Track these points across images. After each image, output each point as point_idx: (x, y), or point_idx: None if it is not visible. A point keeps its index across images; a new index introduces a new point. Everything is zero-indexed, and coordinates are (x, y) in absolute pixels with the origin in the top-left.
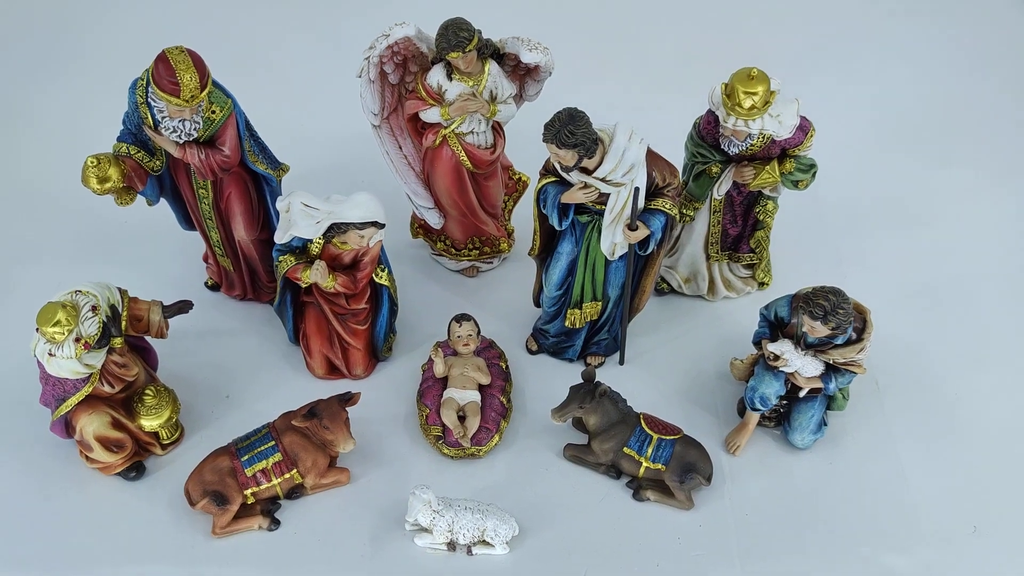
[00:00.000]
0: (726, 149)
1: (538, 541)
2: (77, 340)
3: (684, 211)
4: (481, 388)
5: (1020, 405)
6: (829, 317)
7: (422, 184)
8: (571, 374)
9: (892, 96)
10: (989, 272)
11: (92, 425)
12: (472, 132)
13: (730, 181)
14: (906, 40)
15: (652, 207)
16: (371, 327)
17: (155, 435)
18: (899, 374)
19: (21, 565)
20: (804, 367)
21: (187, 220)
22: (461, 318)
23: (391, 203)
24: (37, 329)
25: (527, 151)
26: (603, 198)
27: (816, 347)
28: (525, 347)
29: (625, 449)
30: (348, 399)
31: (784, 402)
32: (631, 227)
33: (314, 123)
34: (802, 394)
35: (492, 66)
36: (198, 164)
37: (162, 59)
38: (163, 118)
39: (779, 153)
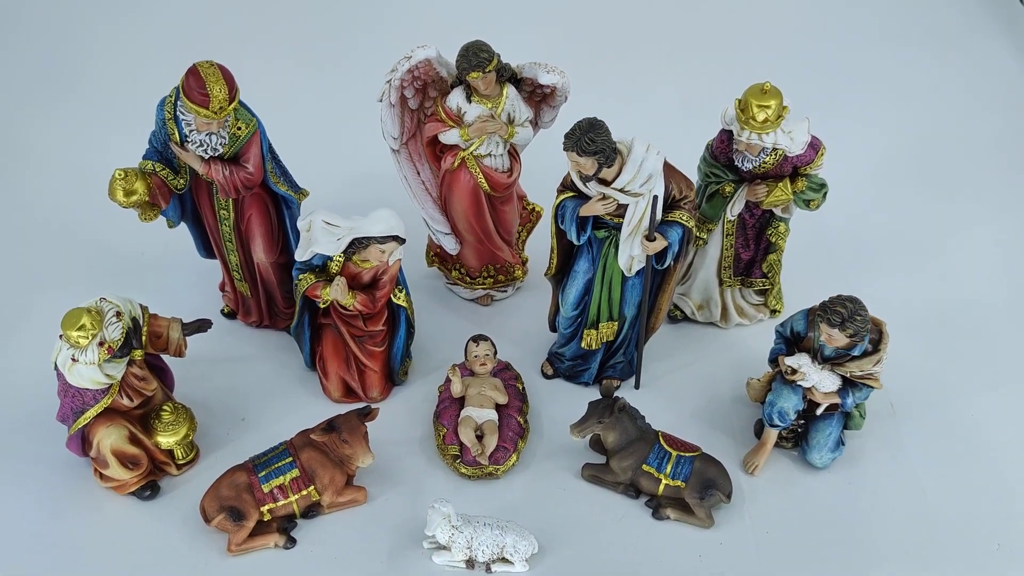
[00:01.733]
0: (740, 165)
1: (557, 559)
2: (101, 344)
3: (697, 234)
4: (498, 408)
5: None
6: (847, 324)
7: (439, 209)
8: (587, 398)
9: (898, 134)
10: (995, 299)
11: (110, 438)
12: (490, 155)
13: (743, 201)
14: (912, 81)
15: (669, 219)
16: (388, 349)
17: (170, 455)
18: (914, 397)
19: None
20: (821, 382)
21: (206, 247)
22: (478, 338)
23: (407, 232)
24: (60, 336)
25: (541, 182)
26: (621, 211)
27: (833, 360)
28: (541, 372)
29: (644, 467)
30: (367, 414)
31: (801, 421)
32: (649, 238)
33: (332, 155)
34: (819, 411)
35: (510, 90)
36: (222, 180)
37: (193, 72)
38: (191, 132)
39: (791, 171)
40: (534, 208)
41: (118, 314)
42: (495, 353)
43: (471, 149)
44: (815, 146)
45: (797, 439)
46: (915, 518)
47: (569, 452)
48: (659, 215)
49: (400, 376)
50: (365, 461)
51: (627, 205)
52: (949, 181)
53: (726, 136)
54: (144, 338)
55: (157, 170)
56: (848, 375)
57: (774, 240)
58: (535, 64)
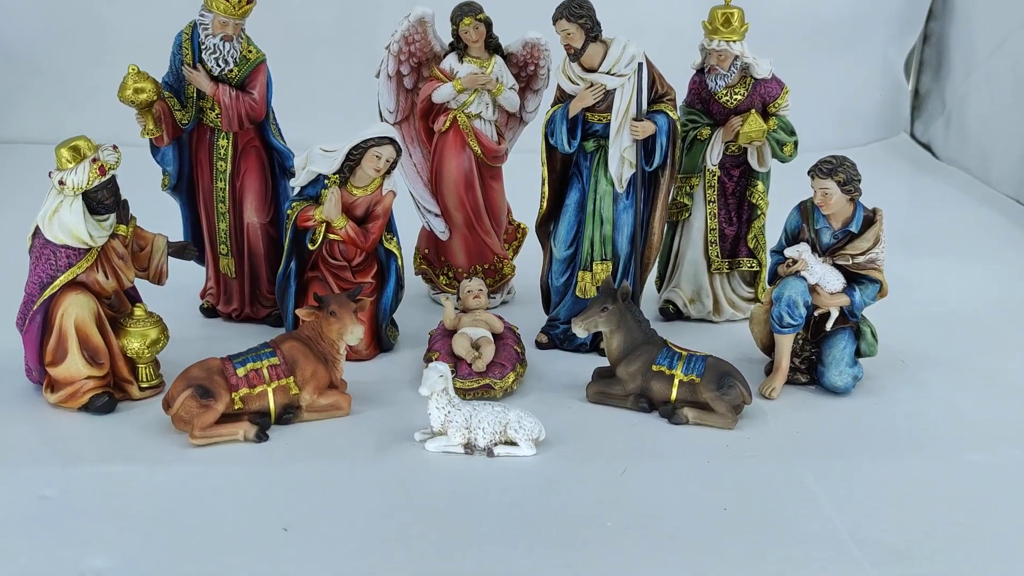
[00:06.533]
0: (714, 87)
1: (568, 448)
2: (94, 162)
3: (682, 200)
4: (495, 337)
5: None
6: (837, 170)
7: (429, 191)
8: (584, 359)
9: None
10: (962, 317)
11: (76, 306)
12: (480, 116)
13: (720, 146)
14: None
15: (654, 109)
16: (377, 303)
17: (135, 373)
18: (925, 357)
19: None
20: (825, 276)
21: (195, 235)
22: (471, 274)
23: (401, 229)
24: (50, 173)
25: (525, 201)
26: (608, 105)
27: (833, 248)
28: (535, 343)
29: (654, 367)
30: (358, 299)
31: (813, 350)
32: (637, 118)
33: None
34: (829, 325)
35: (497, 58)
36: (228, 102)
37: None
38: (207, 37)
39: (761, 110)
40: (520, 225)
41: (115, 147)
42: (487, 293)
43: (463, 106)
44: (780, 82)
45: (811, 371)
46: (956, 422)
47: (571, 388)
48: (645, 101)
49: (389, 336)
50: (355, 333)
51: (614, 95)
52: (911, 248)
53: (697, 77)
54: (130, 232)
55: (166, 96)
56: (851, 262)
57: (755, 201)
58: (520, 39)
